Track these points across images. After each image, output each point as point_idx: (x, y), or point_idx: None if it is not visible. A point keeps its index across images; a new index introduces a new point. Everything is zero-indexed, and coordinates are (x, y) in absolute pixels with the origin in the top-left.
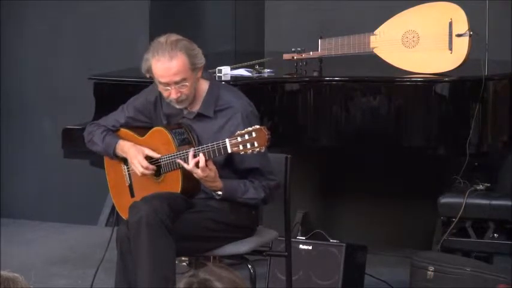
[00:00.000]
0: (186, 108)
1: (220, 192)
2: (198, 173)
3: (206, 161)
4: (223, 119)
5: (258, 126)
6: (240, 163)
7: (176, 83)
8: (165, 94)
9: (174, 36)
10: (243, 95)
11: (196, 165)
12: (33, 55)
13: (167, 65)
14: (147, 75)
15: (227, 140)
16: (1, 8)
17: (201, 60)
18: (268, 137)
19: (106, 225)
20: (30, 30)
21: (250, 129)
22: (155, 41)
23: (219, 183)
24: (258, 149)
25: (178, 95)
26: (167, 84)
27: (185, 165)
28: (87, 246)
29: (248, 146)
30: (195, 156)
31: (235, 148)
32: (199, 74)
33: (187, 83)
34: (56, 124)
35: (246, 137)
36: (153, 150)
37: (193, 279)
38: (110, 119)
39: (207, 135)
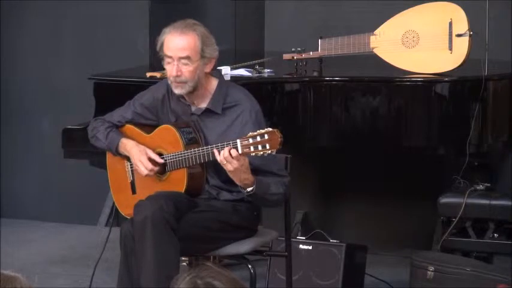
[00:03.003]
0: (193, 103)
1: (250, 189)
2: (233, 162)
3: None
4: (232, 116)
5: (271, 129)
6: (250, 164)
7: (180, 58)
8: (167, 70)
9: (194, 21)
10: (250, 94)
11: (230, 155)
12: (33, 55)
13: (177, 38)
14: (160, 54)
15: (238, 140)
16: (1, 8)
17: (212, 53)
18: (281, 140)
19: (106, 225)
20: (30, 30)
21: (263, 131)
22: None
23: (251, 176)
24: (269, 151)
25: (179, 73)
26: (171, 58)
27: (218, 156)
28: (87, 246)
29: (259, 147)
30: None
31: (246, 149)
32: (208, 68)
33: (190, 63)
34: (56, 124)
35: (258, 138)
36: (159, 148)
37: (196, 280)
38: (116, 115)
39: (215, 132)
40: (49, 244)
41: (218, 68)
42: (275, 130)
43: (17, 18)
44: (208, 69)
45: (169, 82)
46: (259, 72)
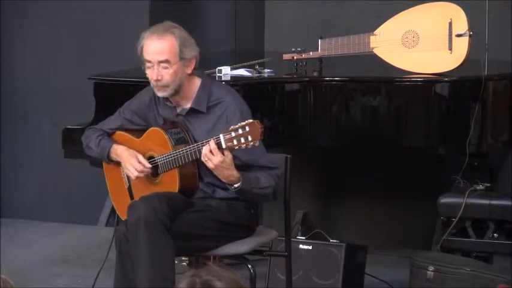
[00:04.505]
0: (179, 105)
1: (237, 185)
2: (213, 159)
3: (219, 148)
4: (217, 114)
5: (251, 120)
6: (238, 159)
7: (159, 62)
8: (148, 74)
9: (172, 24)
10: (234, 91)
11: (210, 152)
12: (33, 55)
13: (155, 42)
14: (141, 58)
15: (221, 135)
16: (1, 8)
17: (192, 53)
18: (261, 130)
19: (106, 225)
20: (30, 30)
21: (243, 123)
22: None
23: (236, 172)
24: (252, 143)
25: (159, 77)
26: (150, 62)
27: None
28: (87, 246)
29: (242, 140)
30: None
31: (230, 143)
32: (189, 69)
33: (169, 67)
34: (56, 124)
35: (240, 131)
36: (150, 151)
37: (195, 279)
38: (107, 123)
39: (202, 131)
40: (49, 244)
41: (218, 67)
42: (255, 121)
43: (17, 19)
44: (189, 70)
45: (152, 86)
46: (259, 72)
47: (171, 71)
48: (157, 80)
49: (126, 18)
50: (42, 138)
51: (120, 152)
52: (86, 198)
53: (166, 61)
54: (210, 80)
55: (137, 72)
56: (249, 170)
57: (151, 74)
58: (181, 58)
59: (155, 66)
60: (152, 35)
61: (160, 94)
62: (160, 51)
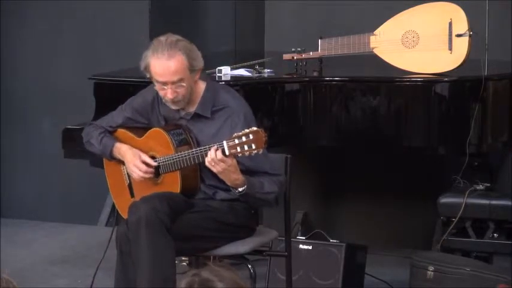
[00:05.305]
0: (183, 109)
1: (241, 189)
2: (219, 165)
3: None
4: (221, 119)
5: (255, 128)
6: (242, 165)
7: (173, 82)
8: (161, 93)
9: (174, 37)
10: (239, 95)
11: (214, 158)
12: (33, 55)
13: (166, 64)
14: (145, 74)
15: (224, 142)
16: (1, 8)
17: (200, 63)
18: (265, 139)
19: (106, 225)
20: (30, 30)
21: (247, 131)
22: (155, 40)
23: (241, 176)
24: (255, 151)
25: (175, 95)
26: (164, 83)
27: (207, 159)
28: (87, 246)
29: (246, 147)
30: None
31: (233, 150)
32: (197, 76)
33: (184, 84)
34: (56, 124)
35: (244, 139)
36: (151, 151)
37: (194, 279)
38: (108, 120)
39: (205, 136)
40: (49, 244)
41: (218, 67)
42: (259, 130)
43: (17, 19)
44: (197, 77)
45: (163, 101)
46: (259, 72)
47: (185, 86)
48: (173, 98)
49: (126, 18)
50: (42, 138)
51: (123, 151)
52: (86, 198)
53: (180, 79)
54: (214, 83)
55: (137, 72)
56: (252, 175)
57: (165, 93)
58: (192, 71)
59: (169, 86)
60: (161, 56)
61: (174, 107)
62: (173, 72)
